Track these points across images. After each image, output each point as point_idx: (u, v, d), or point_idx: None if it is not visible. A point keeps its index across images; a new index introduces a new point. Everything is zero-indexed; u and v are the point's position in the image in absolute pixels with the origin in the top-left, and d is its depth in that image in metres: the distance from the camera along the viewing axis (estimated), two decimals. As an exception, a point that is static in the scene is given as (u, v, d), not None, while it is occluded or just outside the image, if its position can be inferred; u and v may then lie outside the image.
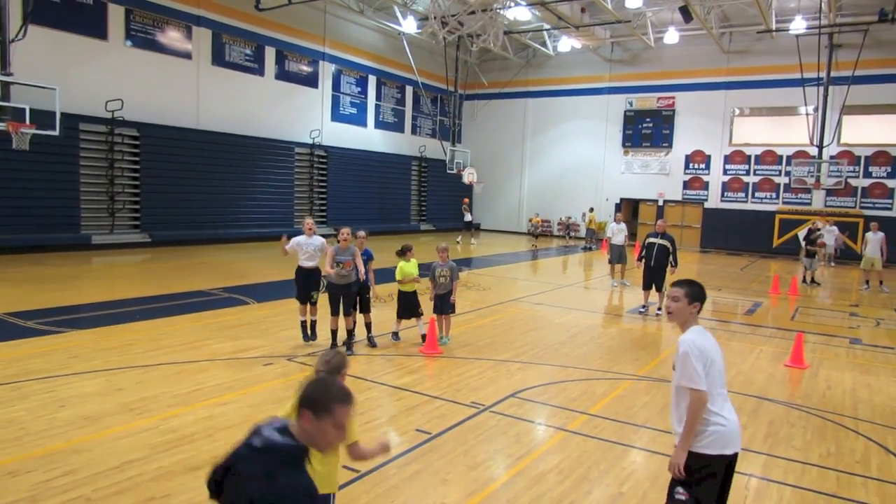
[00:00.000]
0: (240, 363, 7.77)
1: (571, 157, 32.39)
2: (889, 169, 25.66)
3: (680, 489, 3.55)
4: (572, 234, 31.16)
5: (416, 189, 31.83)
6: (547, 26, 26.92)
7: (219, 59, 21.79)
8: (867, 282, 17.70)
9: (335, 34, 26.28)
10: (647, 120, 30.58)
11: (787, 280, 17.86)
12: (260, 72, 23.24)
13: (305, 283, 8.86)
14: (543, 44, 30.77)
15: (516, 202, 34.22)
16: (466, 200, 28.41)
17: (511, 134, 33.92)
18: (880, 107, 25.39)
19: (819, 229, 21.25)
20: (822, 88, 24.85)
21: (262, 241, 22.58)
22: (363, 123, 28.44)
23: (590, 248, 27.17)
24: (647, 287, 12.67)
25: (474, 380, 7.69)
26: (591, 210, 28.75)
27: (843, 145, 26.00)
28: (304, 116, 25.25)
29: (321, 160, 25.96)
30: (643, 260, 12.64)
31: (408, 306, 9.21)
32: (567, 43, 28.52)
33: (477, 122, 34.40)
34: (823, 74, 24.72)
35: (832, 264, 23.96)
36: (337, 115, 26.85)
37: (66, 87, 16.38)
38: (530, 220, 32.85)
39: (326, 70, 26.08)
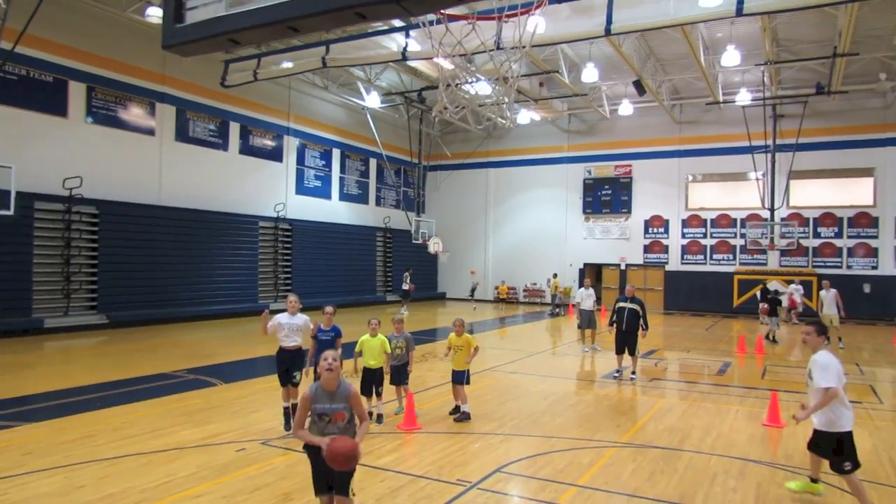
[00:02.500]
0: (211, 450, 7.38)
1: (534, 224, 32.99)
2: (836, 229, 26.80)
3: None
4: (538, 299, 31.23)
5: (381, 260, 31.79)
6: (507, 100, 27.83)
7: (182, 134, 21.83)
8: (827, 339, 18.02)
9: (299, 109, 26.71)
10: (606, 187, 31.52)
11: (751, 339, 18.16)
12: (224, 147, 23.32)
13: (290, 364, 8.15)
14: (503, 116, 31.75)
15: (481, 270, 34.41)
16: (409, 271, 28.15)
17: (474, 203, 34.50)
18: (824, 171, 26.77)
19: (769, 290, 22.01)
20: (769, 155, 26.15)
21: (226, 318, 22.08)
22: (328, 196, 28.57)
23: (556, 314, 27.29)
24: (619, 351, 12.67)
25: (457, 455, 7.46)
26: (556, 276, 29.06)
27: (793, 208, 27.16)
28: (269, 190, 25.26)
29: (286, 233, 25.82)
30: (614, 325, 12.70)
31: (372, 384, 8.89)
32: (526, 115, 29.51)
33: (440, 192, 34.94)
34: (770, 142, 26.07)
35: (797, 322, 24.58)
36: (301, 189, 26.94)
37: (22, 166, 16.12)
38: (496, 288, 33.08)
39: (291, 144, 26.33)
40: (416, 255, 32.04)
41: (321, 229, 27.46)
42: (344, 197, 29.64)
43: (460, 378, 9.16)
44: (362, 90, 26.68)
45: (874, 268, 25.98)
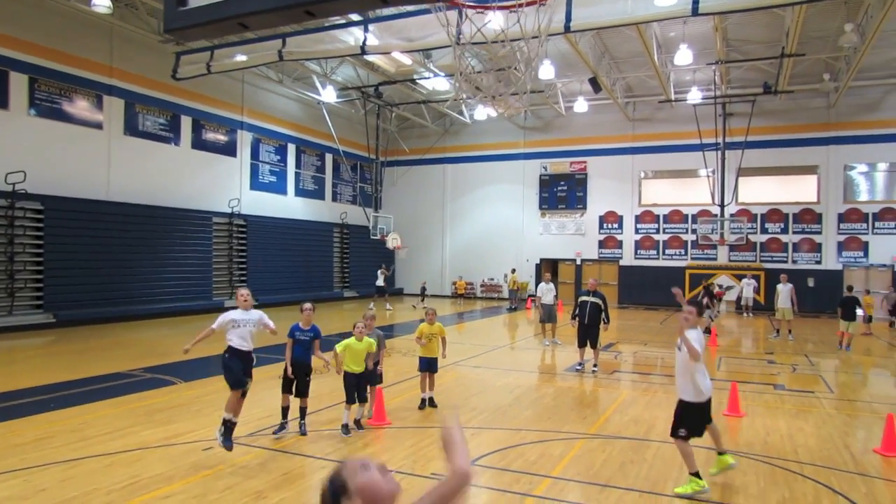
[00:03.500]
0: (176, 450, 7.17)
1: (491, 220, 33.18)
2: (782, 225, 27.83)
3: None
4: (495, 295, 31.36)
5: (338, 256, 31.46)
6: (464, 95, 27.90)
7: (132, 128, 21.10)
8: (777, 330, 18.77)
9: (253, 103, 26.16)
10: (562, 183, 31.93)
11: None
12: (175, 141, 22.66)
13: (242, 368, 7.31)
14: (460, 112, 31.86)
15: (439, 266, 34.45)
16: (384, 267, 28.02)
17: (432, 199, 34.47)
18: (770, 169, 27.75)
19: (711, 284, 22.89)
20: (719, 153, 26.92)
21: (181, 315, 21.47)
22: (283, 191, 28.09)
23: (514, 309, 27.53)
24: (581, 344, 12.87)
25: (429, 449, 7.43)
26: (514, 271, 29.30)
27: (741, 204, 28.05)
28: (223, 185, 24.67)
29: (240, 229, 25.27)
30: (577, 318, 12.88)
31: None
32: (483, 111, 29.62)
33: (398, 188, 34.77)
34: (720, 140, 26.83)
35: (750, 315, 25.52)
36: (256, 184, 26.41)
37: (-38, 160, 15.31)
38: (454, 284, 33.18)
39: (245, 139, 25.77)
40: (373, 251, 31.86)
41: (276, 225, 26.99)
42: (300, 192, 29.19)
43: (433, 366, 9.32)
44: (318, 84, 26.31)
45: (818, 262, 27.08)
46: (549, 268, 32.09)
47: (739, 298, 26.70)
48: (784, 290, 18.20)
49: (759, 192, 28.10)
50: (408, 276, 34.29)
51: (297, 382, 7.81)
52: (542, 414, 9.35)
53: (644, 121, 29.84)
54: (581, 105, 28.14)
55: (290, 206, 28.35)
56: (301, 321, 7.98)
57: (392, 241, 27.99)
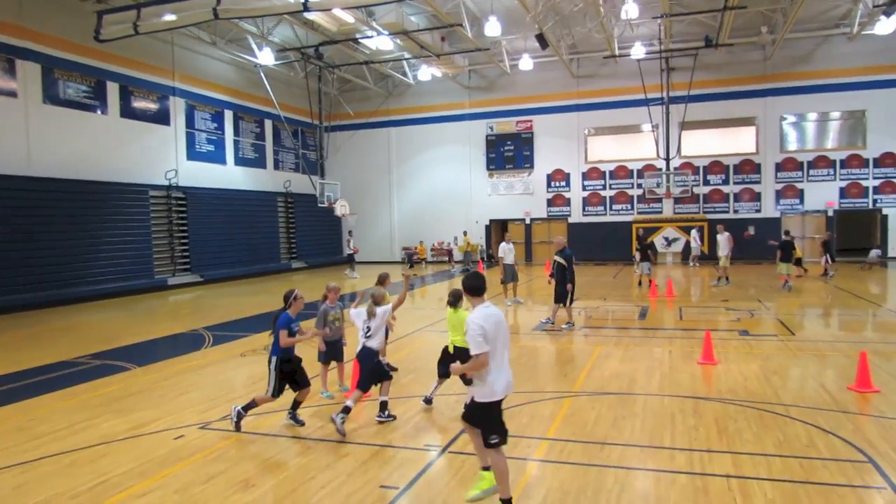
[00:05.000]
0: (144, 441, 6.61)
1: (439, 182, 32.73)
2: (724, 176, 28.52)
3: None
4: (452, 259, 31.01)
5: (283, 226, 30.45)
6: (408, 55, 27.10)
7: (51, 96, 19.46)
8: (718, 279, 19.45)
9: (185, 67, 24.61)
10: (508, 143, 31.70)
11: (660, 284, 18.99)
12: (103, 109, 21.11)
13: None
14: (404, 73, 30.99)
15: (387, 231, 33.89)
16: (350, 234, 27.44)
17: (378, 164, 33.69)
18: (712, 122, 28.27)
19: (648, 239, 23.49)
20: (663, 107, 27.15)
21: (121, 296, 20.34)
22: (222, 161, 26.78)
23: (468, 271, 27.36)
24: (555, 301, 12.78)
25: (417, 419, 7.14)
26: (466, 233, 29.07)
27: (685, 157, 28.53)
28: (157, 156, 23.25)
29: (180, 202, 23.99)
30: (553, 277, 12.85)
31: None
32: (427, 72, 28.87)
33: (342, 153, 33.78)
34: (664, 95, 27.03)
35: (696, 265, 26.24)
36: (193, 154, 25.04)
37: None
38: (407, 249, 32.72)
39: (178, 106, 24.28)
40: (321, 220, 31.02)
41: (218, 196, 25.78)
42: (240, 161, 27.91)
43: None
44: (254, 46, 24.94)
45: (758, 211, 27.97)
46: (497, 229, 32.10)
47: (687, 249, 27.38)
48: (721, 239, 19.04)
49: (702, 144, 28.63)
50: (357, 244, 33.54)
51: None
52: (521, 375, 9.15)
53: (588, 77, 29.77)
54: (526, 63, 27.78)
55: (230, 175, 27.10)
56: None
57: (340, 209, 27.21)
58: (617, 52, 26.64)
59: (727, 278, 19.31)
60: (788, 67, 27.11)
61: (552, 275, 12.93)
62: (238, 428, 6.71)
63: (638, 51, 25.75)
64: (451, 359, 6.78)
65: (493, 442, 4.71)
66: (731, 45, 25.57)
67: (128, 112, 22.04)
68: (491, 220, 32.21)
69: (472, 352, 4.57)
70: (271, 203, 29.52)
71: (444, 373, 7.32)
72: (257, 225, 28.18)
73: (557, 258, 12.68)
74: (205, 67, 25.70)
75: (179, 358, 10.85)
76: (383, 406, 7.07)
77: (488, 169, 32.05)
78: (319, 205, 26.85)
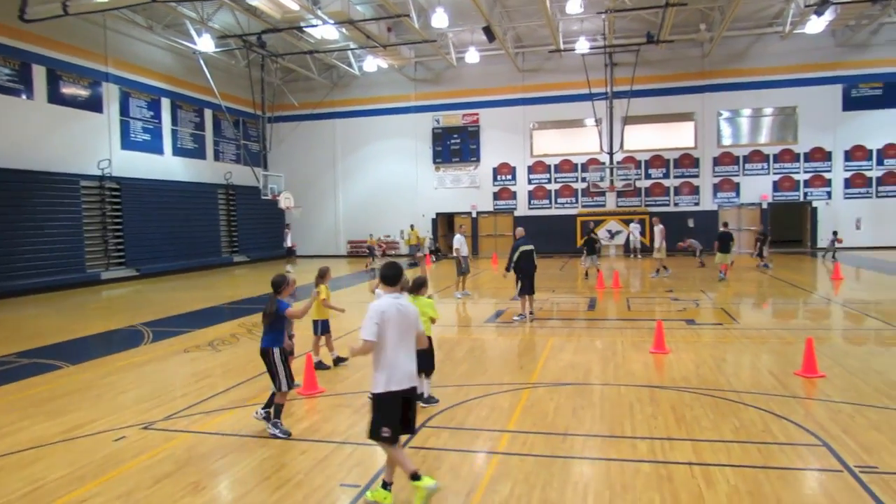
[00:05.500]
0: (81, 444, 6.17)
1: (385, 175, 32.38)
2: (664, 170, 29.25)
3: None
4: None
5: (224, 219, 29.50)
6: (354, 46, 26.61)
7: (-29, 80, 18.20)
8: (657, 270, 20.01)
9: (119, 52, 23.43)
10: (455, 136, 31.62)
11: (606, 275, 19.28)
12: (28, 94, 19.87)
13: None
14: (349, 64, 30.45)
15: (332, 225, 33.32)
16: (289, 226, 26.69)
17: (322, 156, 33.04)
18: (653, 117, 28.92)
19: (595, 232, 24.01)
20: (607, 102, 27.59)
21: (51, 290, 19.26)
22: (159, 151, 25.67)
23: (415, 264, 27.16)
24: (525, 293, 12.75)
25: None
26: (413, 227, 28.86)
27: (627, 151, 29.10)
28: (89, 145, 22.08)
29: (113, 193, 22.87)
30: (518, 269, 12.77)
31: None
32: (373, 63, 28.46)
33: (286, 145, 32.96)
34: (607, 90, 27.46)
35: (638, 257, 26.84)
36: (128, 143, 23.90)
37: None
38: (354, 242, 32.24)
39: (111, 92, 23.10)
40: (263, 213, 30.22)
41: (154, 188, 24.71)
42: (178, 152, 26.82)
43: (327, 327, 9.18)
44: (193, 32, 23.93)
45: (696, 204, 28.82)
46: (444, 222, 32.05)
47: (628, 242, 27.97)
48: (657, 232, 19.74)
49: (643, 139, 29.26)
50: (301, 237, 32.90)
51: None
52: (477, 368, 9.09)
53: (534, 71, 29.97)
54: (472, 56, 27.73)
55: (168, 166, 26.02)
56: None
57: (285, 201, 26.53)
58: (562, 47, 26.88)
59: (665, 268, 19.82)
60: (725, 64, 27.98)
61: (509, 268, 12.80)
62: (286, 434, 6.20)
63: (582, 45, 26.07)
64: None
65: (384, 435, 4.64)
66: (671, 42, 26.16)
67: (56, 98, 20.83)
68: (437, 214, 32.11)
69: (361, 335, 4.64)
70: (211, 195, 28.54)
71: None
72: (197, 217, 27.20)
73: (525, 248, 12.55)
74: (140, 53, 24.55)
75: (117, 355, 10.28)
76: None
77: (435, 162, 31.90)
78: (263, 197, 26.10)
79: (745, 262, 22.42)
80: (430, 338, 6.90)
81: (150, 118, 25.05)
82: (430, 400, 7.17)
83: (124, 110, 23.73)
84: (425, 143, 31.91)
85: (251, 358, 9.64)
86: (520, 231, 13.25)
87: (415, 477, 4.59)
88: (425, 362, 6.72)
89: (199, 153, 28.13)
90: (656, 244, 19.77)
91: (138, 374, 9.08)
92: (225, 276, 24.36)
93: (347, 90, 32.42)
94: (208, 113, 28.45)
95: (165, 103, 25.95)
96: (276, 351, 6.26)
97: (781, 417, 6.48)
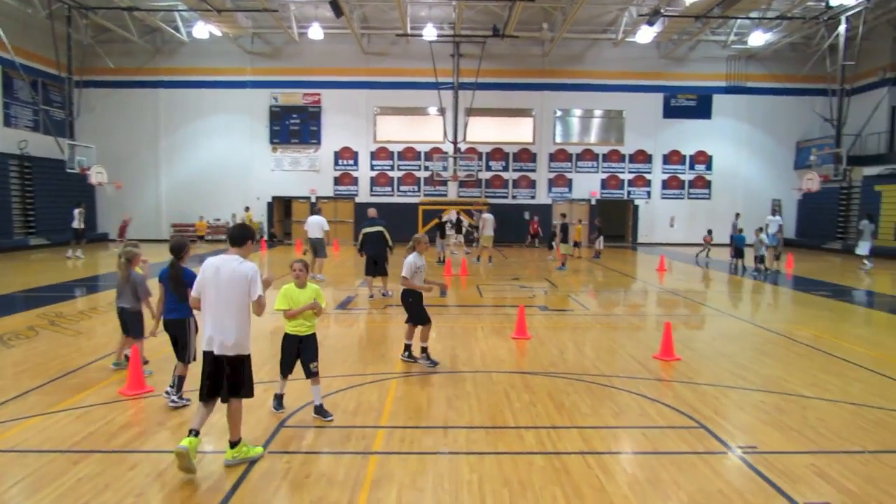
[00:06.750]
0: None
1: (216, 154, 29.86)
2: (504, 163, 30.04)
3: None
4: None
5: (18, 195, 25.29)
6: (182, 7, 24.01)
7: None
8: (489, 258, 20.60)
9: None
10: (294, 116, 29.97)
11: (454, 261, 19.17)
12: None
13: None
14: (176, 28, 27.50)
15: (153, 206, 30.07)
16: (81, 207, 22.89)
17: (143, 128, 29.61)
18: (495, 110, 29.55)
19: (446, 221, 24.30)
20: (453, 92, 27.64)
21: None
22: (-70, 109, 21.28)
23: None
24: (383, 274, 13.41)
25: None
26: (248, 209, 26.87)
27: (469, 143, 29.44)
28: None
29: None
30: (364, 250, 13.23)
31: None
32: (204, 29, 25.92)
33: (98, 113, 28.95)
34: (453, 80, 27.51)
35: (476, 246, 27.25)
36: None
37: None
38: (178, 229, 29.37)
39: None
40: (68, 189, 26.38)
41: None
42: (-45, 112, 22.47)
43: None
44: (-22, -32, 20.10)
45: (533, 198, 29.95)
46: (280, 206, 30.36)
47: (469, 232, 28.33)
48: (487, 220, 20.47)
49: (485, 131, 29.81)
50: (113, 218, 29.24)
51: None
52: (335, 357, 8.23)
53: (380, 55, 29.23)
54: (316, 31, 26.31)
55: (-59, 128, 21.66)
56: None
57: (96, 176, 23.30)
58: (409, 31, 26.43)
59: (490, 258, 20.48)
60: (562, 65, 29.31)
61: (361, 249, 13.01)
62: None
63: (430, 32, 25.83)
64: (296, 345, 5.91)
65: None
66: (515, 38, 26.82)
67: None
68: (273, 198, 30.26)
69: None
70: (1, 167, 24.30)
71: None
72: (-19, 192, 23.01)
73: (367, 230, 12.55)
74: None
75: None
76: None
77: (272, 142, 30.00)
78: (69, 170, 22.70)
79: (580, 253, 23.57)
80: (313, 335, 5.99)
81: (-83, 68, 20.65)
82: (323, 412, 5.82)
83: None
84: (262, 121, 29.88)
85: (56, 354, 7.98)
86: (371, 212, 12.94)
87: (193, 432, 4.60)
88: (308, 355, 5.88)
89: (-15, 116, 23.79)
90: (487, 232, 20.07)
91: None
92: (19, 260, 20.80)
93: (173, 57, 29.35)
94: (-2, 69, 24.16)
95: (-61, 52, 21.57)
96: (192, 321, 6.07)
97: (655, 400, 6.45)
